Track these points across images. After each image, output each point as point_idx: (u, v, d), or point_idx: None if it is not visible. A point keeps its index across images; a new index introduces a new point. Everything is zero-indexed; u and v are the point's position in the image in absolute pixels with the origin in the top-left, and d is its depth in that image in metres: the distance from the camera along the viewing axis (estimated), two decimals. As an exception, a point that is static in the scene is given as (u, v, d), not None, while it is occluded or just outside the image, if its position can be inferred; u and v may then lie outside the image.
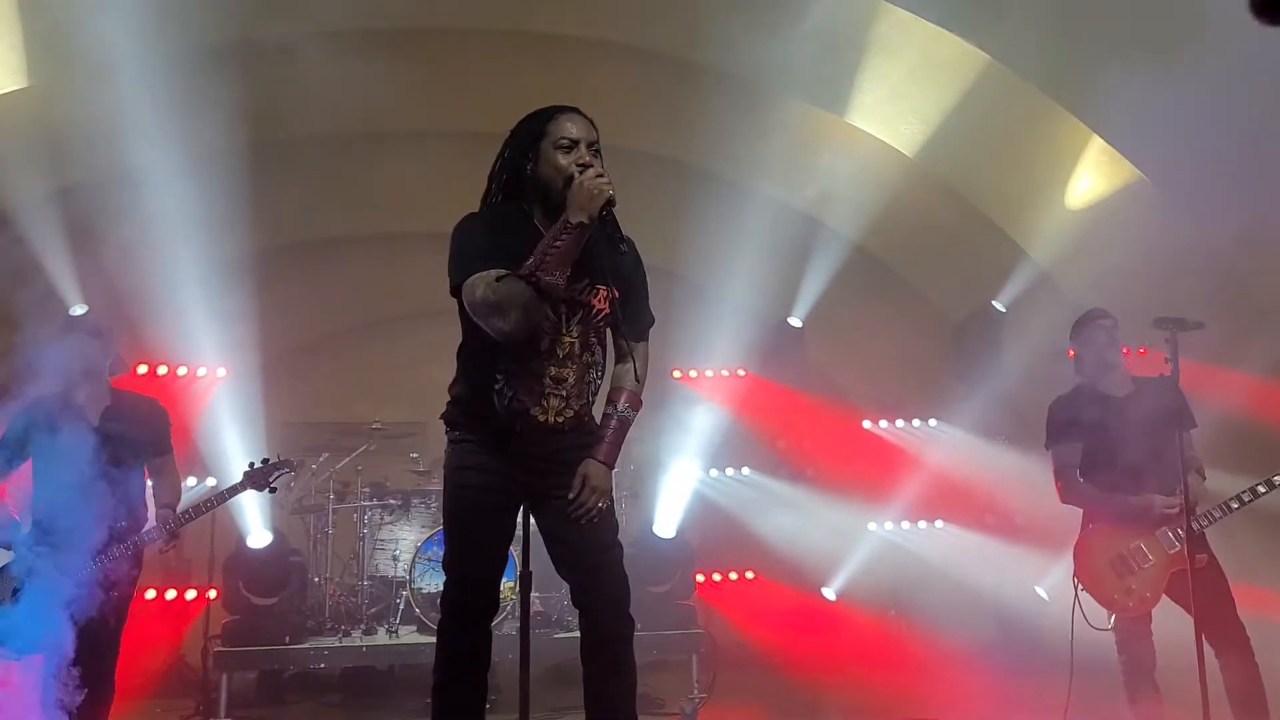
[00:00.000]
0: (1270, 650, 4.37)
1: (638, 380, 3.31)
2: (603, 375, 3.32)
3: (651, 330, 3.43)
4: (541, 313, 3.01)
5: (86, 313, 4.62)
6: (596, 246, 3.03)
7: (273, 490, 4.94)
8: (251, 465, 4.84)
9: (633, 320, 3.30)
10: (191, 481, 7.63)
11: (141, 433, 4.52)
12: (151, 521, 4.55)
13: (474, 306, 3.00)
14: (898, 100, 7.41)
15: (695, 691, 6.31)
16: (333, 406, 8.47)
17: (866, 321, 9.06)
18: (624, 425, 3.28)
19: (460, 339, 3.28)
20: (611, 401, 3.30)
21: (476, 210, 3.26)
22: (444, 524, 3.34)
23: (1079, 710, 4.55)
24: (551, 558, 3.34)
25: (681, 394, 8.26)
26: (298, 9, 6.31)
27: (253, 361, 7.44)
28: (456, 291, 3.07)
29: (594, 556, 3.24)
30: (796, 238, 8.17)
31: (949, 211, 8.13)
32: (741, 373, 8.67)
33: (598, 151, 3.14)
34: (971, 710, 5.86)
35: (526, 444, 3.19)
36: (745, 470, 8.84)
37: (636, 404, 3.32)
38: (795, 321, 8.81)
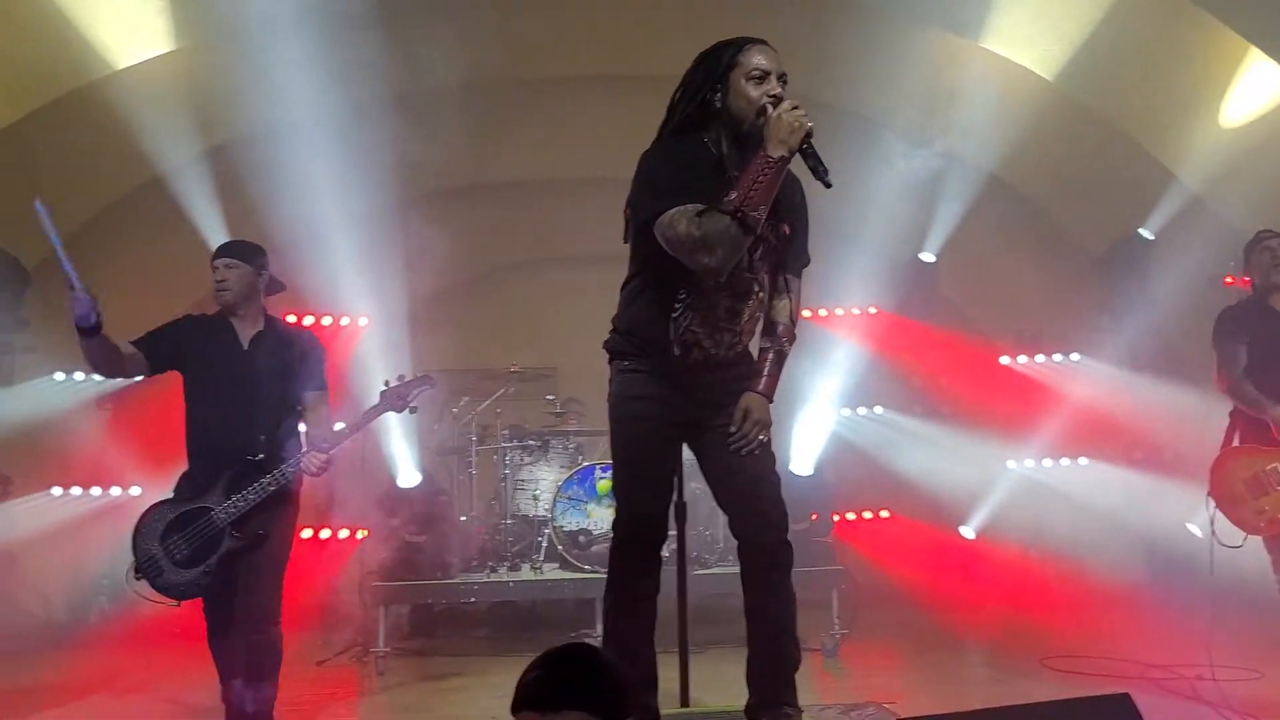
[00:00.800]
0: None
1: (795, 312, 3.35)
2: (766, 308, 3.34)
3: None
4: (744, 248, 3.00)
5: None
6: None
7: (413, 410, 4.45)
8: (387, 384, 4.43)
9: (798, 255, 3.35)
10: (340, 425, 7.95)
11: (293, 364, 4.26)
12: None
13: (674, 241, 2.98)
14: (1037, 21, 7.11)
15: (836, 627, 6.35)
16: (471, 352, 8.67)
17: (1002, 255, 8.82)
18: (781, 358, 3.31)
19: (626, 272, 3.33)
20: (769, 335, 3.32)
21: (651, 146, 3.23)
22: (612, 454, 3.39)
23: (1224, 641, 4.43)
24: (711, 488, 3.40)
25: (815, 333, 8.19)
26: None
27: (396, 310, 7.66)
28: (647, 226, 3.06)
29: (755, 485, 3.27)
30: (928, 171, 7.97)
31: (1092, 136, 7.80)
32: (873, 310, 8.55)
33: (785, 83, 3.10)
34: (1117, 646, 5.74)
35: (694, 375, 3.23)
36: (879, 409, 8.74)
37: (792, 338, 3.36)
38: (928, 257, 8.61)
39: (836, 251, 8.08)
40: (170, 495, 4.17)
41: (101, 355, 4.09)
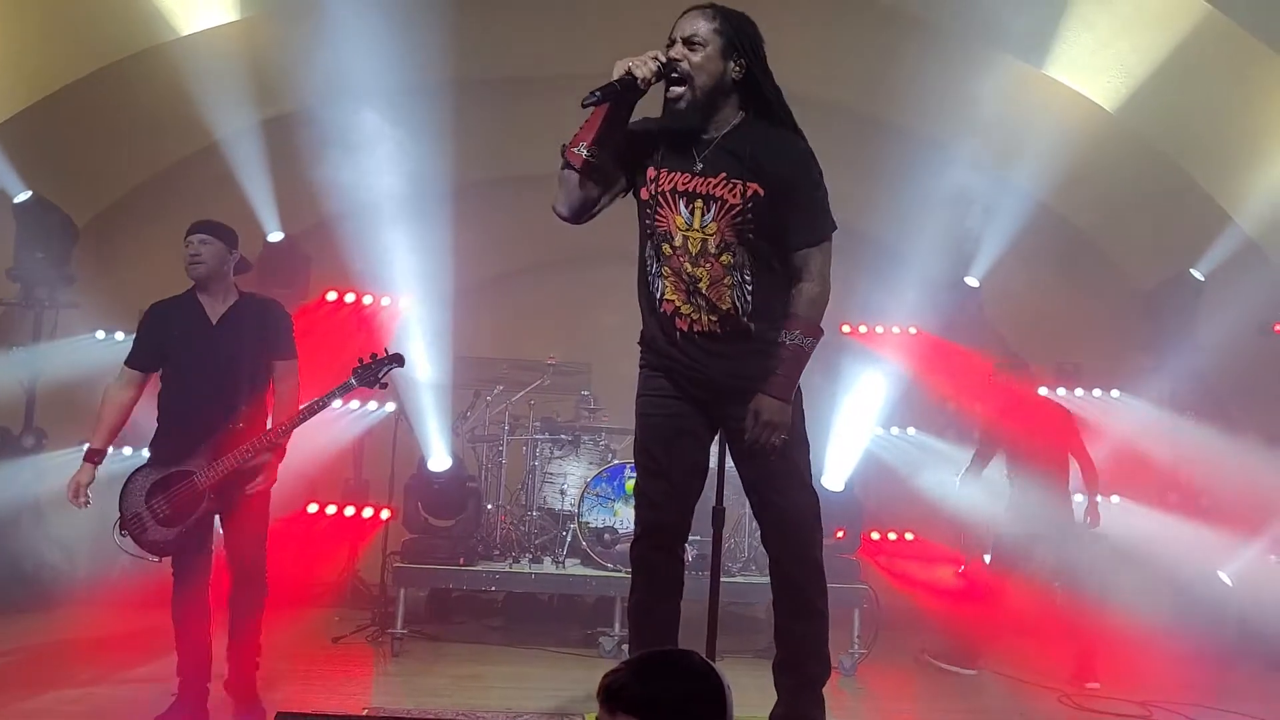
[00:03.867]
0: None
1: (810, 301, 3.15)
2: (753, 282, 3.16)
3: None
4: (578, 187, 3.17)
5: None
6: (746, 140, 3.12)
7: (383, 386, 4.52)
8: (360, 361, 4.47)
9: (799, 228, 3.16)
10: (373, 405, 7.99)
11: (260, 332, 4.44)
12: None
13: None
14: (1103, 52, 7.04)
15: (855, 647, 6.29)
16: (509, 341, 8.68)
17: (1049, 284, 8.73)
18: (797, 354, 3.12)
19: None
20: (786, 325, 3.15)
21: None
22: (635, 449, 3.42)
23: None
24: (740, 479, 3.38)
25: (854, 349, 8.14)
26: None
27: (439, 293, 7.68)
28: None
29: (776, 500, 3.25)
30: (980, 194, 7.91)
31: (1148, 171, 7.71)
32: (914, 331, 8.48)
33: (699, 43, 3.13)
34: (1137, 685, 5.69)
35: (689, 353, 3.21)
36: (912, 430, 8.67)
37: (811, 331, 3.15)
38: (972, 281, 8.54)
39: (880, 268, 8.06)
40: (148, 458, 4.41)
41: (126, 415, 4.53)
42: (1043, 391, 8.51)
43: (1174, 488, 7.91)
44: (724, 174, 3.12)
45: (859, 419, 7.68)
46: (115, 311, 7.61)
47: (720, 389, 3.21)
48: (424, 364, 7.25)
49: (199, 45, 6.93)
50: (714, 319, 3.16)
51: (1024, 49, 7.17)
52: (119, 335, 7.64)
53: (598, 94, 3.03)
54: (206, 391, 4.31)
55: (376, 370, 4.44)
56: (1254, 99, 6.87)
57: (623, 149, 3.20)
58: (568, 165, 3.16)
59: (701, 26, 3.13)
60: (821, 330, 3.20)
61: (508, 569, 6.72)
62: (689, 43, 3.13)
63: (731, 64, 3.14)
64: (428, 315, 7.59)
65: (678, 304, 3.18)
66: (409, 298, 7.81)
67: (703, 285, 3.13)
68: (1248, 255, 7.62)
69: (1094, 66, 7.19)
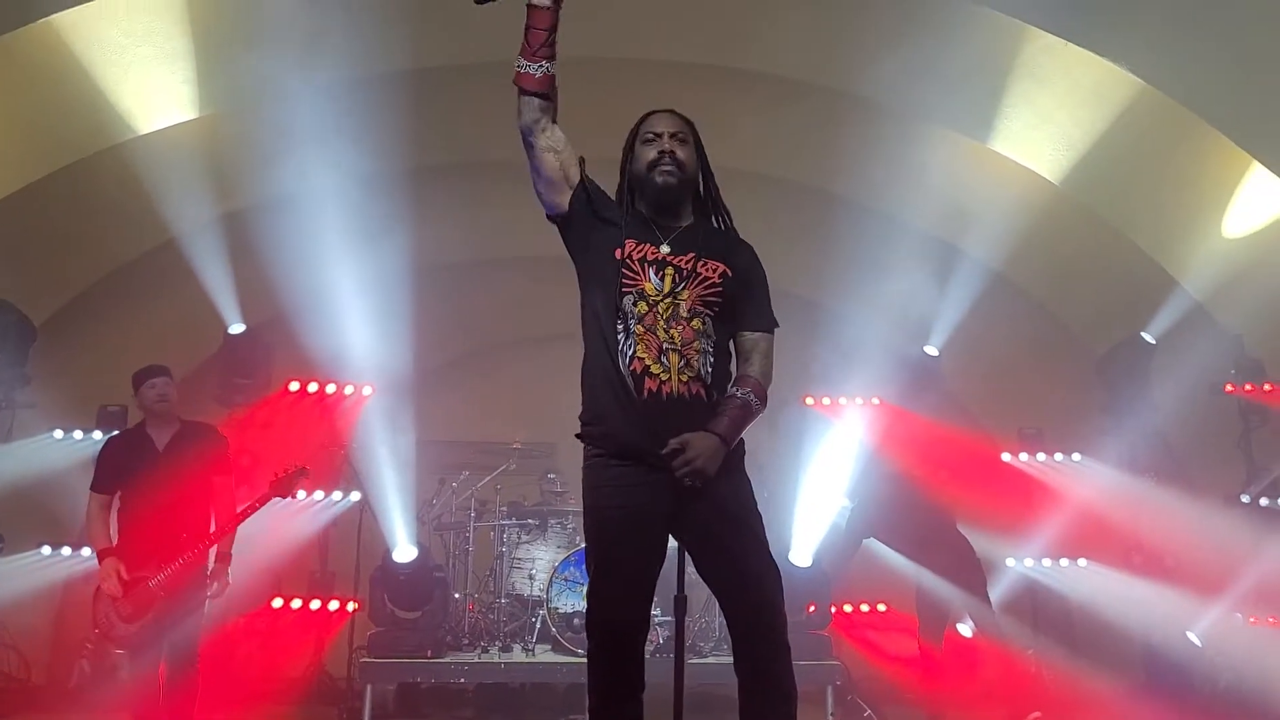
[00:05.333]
0: None
1: (763, 373, 3.29)
2: (714, 353, 3.24)
3: (785, 354, 3.45)
4: (526, 105, 3.33)
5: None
6: (705, 234, 3.33)
7: (294, 498, 5.60)
8: (276, 475, 5.23)
9: (758, 315, 3.35)
10: (337, 495, 7.91)
11: (198, 455, 5.20)
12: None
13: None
14: (1044, 126, 7.28)
15: (830, 723, 6.25)
16: (473, 425, 8.66)
17: (1006, 352, 8.85)
18: (746, 408, 3.20)
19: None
20: (737, 384, 3.26)
21: None
22: (587, 546, 3.27)
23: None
24: (703, 577, 3.25)
25: (817, 422, 8.19)
26: (452, 44, 6.57)
27: (401, 380, 7.68)
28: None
29: (743, 581, 3.16)
30: (935, 265, 8.06)
31: (1095, 240, 7.92)
32: (876, 401, 8.55)
33: (684, 140, 3.35)
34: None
35: (653, 417, 3.11)
36: (879, 500, 8.67)
37: (761, 395, 3.25)
38: (932, 350, 8.65)
39: (840, 340, 8.14)
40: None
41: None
42: (1005, 457, 8.62)
43: (1138, 549, 7.96)
44: (692, 254, 3.25)
45: (824, 492, 7.70)
46: (73, 410, 7.55)
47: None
48: (388, 451, 7.22)
49: (157, 143, 6.99)
50: (683, 380, 3.15)
51: (967, 125, 7.38)
52: (77, 434, 7.55)
53: None
54: (157, 509, 5.03)
55: (290, 482, 5.22)
56: (1190, 168, 7.10)
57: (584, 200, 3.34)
58: (526, 91, 3.32)
59: (682, 124, 3.39)
60: (767, 401, 3.29)
61: (477, 659, 6.63)
62: (677, 138, 3.35)
63: (698, 165, 3.40)
64: (391, 402, 7.58)
65: (648, 363, 3.13)
66: (372, 385, 7.80)
67: (677, 344, 3.16)
68: (1195, 318, 7.79)
69: (1036, 140, 7.42)
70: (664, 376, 3.14)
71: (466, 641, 6.93)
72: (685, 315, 3.19)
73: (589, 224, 3.31)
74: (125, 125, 6.85)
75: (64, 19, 6.09)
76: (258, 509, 5.15)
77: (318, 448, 7.90)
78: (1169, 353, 7.94)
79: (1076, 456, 8.49)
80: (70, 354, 7.92)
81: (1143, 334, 8.16)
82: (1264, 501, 7.80)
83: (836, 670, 6.50)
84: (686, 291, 3.21)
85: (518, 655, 6.69)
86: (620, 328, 3.17)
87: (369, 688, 6.27)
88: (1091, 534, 8.09)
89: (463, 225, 7.99)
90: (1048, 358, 8.91)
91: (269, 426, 7.99)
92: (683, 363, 3.16)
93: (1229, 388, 7.86)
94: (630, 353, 3.15)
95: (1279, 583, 7.52)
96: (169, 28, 6.39)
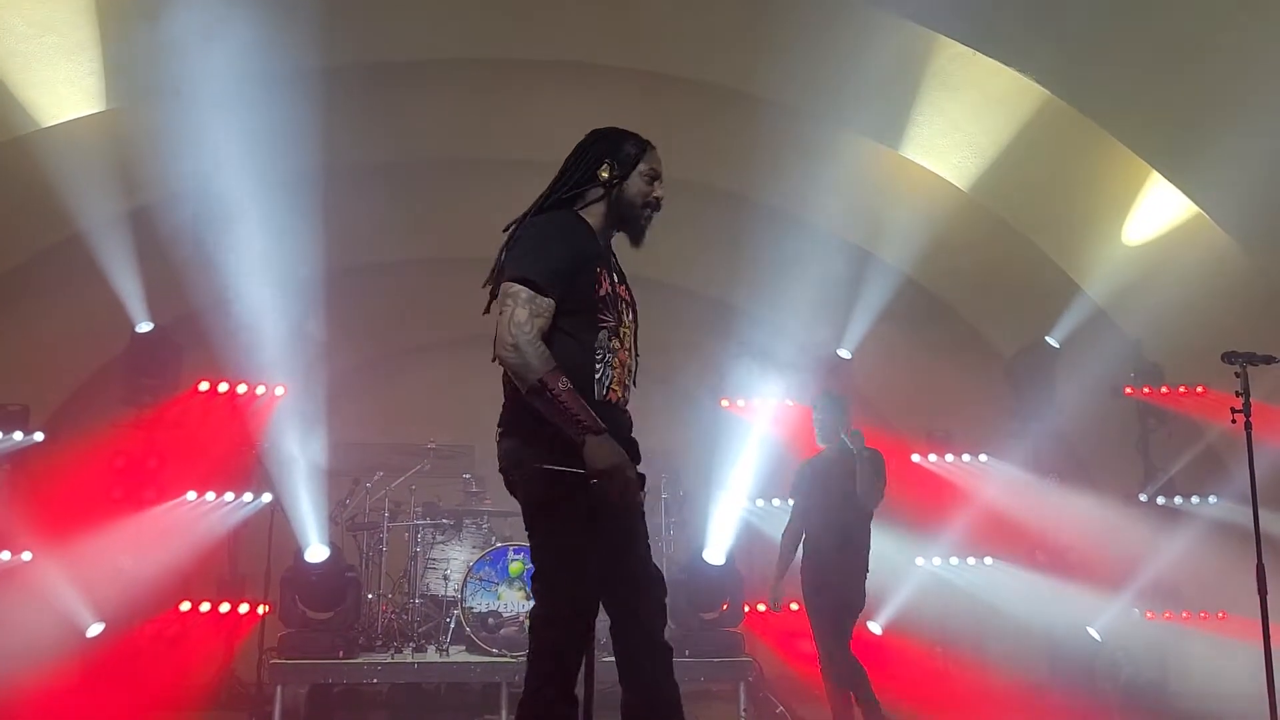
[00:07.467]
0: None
1: None
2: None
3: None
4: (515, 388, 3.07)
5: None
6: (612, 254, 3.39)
7: None
8: None
9: None
10: (248, 497, 7.78)
11: None
12: None
13: (504, 315, 3.02)
14: (953, 134, 7.44)
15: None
16: (388, 426, 8.59)
17: (916, 354, 9.04)
18: None
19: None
20: None
21: (545, 215, 3.28)
22: (569, 555, 3.13)
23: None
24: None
25: (731, 423, 8.28)
26: (359, 39, 6.53)
27: (314, 380, 7.57)
28: (503, 279, 3.11)
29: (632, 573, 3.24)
30: (847, 269, 8.19)
31: (1002, 245, 8.12)
32: (789, 403, 8.66)
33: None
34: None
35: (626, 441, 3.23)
36: (791, 500, 8.79)
37: None
38: (844, 353, 8.80)
39: (755, 342, 8.24)
40: None
41: None
42: (915, 458, 8.80)
43: (1042, 547, 8.19)
44: (624, 285, 3.38)
45: (736, 492, 7.79)
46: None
47: None
48: (300, 452, 7.12)
49: (62, 136, 6.80)
50: (627, 399, 3.34)
51: (879, 132, 7.52)
52: (-26, 437, 7.31)
53: None
54: None
55: None
56: (1093, 176, 7.32)
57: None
58: (530, 389, 2.98)
59: None
60: None
61: (390, 660, 6.57)
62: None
63: None
64: (304, 403, 7.47)
65: (620, 394, 3.26)
66: (284, 386, 7.68)
67: (630, 370, 3.33)
68: (1098, 322, 8.04)
69: (946, 148, 7.58)
70: (627, 405, 3.32)
71: (380, 642, 6.87)
72: (632, 346, 3.37)
73: (571, 282, 3.18)
74: (28, 117, 6.65)
75: (-37, 6, 5.92)
76: None
77: (230, 447, 7.77)
78: (1072, 356, 8.18)
79: (984, 457, 8.70)
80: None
81: (1048, 338, 8.39)
82: (1161, 500, 8.09)
83: (748, 666, 6.57)
84: (632, 320, 3.38)
85: (432, 655, 6.65)
86: (602, 358, 3.20)
87: (280, 690, 6.18)
88: (997, 533, 8.30)
89: (376, 224, 7.92)
90: (957, 361, 9.11)
91: (178, 427, 7.84)
92: (630, 384, 3.34)
93: (1128, 391, 8.14)
94: (607, 383, 3.20)
95: (1176, 578, 7.83)
96: (74, 17, 6.23)
